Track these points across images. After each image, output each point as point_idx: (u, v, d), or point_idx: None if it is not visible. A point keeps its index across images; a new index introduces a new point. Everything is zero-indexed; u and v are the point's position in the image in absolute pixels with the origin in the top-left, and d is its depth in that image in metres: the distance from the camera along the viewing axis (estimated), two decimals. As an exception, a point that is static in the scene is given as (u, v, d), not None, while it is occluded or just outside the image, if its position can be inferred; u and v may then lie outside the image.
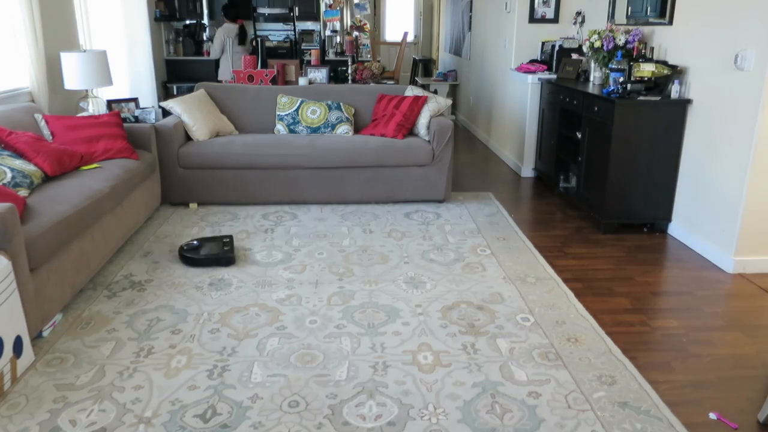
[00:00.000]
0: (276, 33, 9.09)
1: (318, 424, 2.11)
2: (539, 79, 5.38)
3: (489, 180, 5.57)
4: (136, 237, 3.89)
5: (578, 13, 5.53)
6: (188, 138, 4.53)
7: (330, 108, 4.79)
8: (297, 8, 8.65)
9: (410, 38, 11.63)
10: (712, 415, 2.20)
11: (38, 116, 3.76)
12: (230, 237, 3.63)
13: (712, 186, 3.66)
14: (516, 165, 5.89)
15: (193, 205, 4.51)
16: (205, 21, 7.81)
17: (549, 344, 2.64)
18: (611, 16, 4.86)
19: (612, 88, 4.10)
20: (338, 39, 8.45)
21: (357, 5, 9.70)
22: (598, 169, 4.13)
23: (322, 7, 8.41)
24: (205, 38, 7.35)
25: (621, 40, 4.35)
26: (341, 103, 4.85)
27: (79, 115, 4.25)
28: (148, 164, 4.06)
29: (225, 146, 4.42)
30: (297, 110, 4.78)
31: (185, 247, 3.51)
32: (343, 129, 4.73)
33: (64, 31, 4.51)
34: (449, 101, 4.87)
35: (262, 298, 3.07)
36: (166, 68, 6.86)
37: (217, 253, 3.45)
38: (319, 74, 5.90)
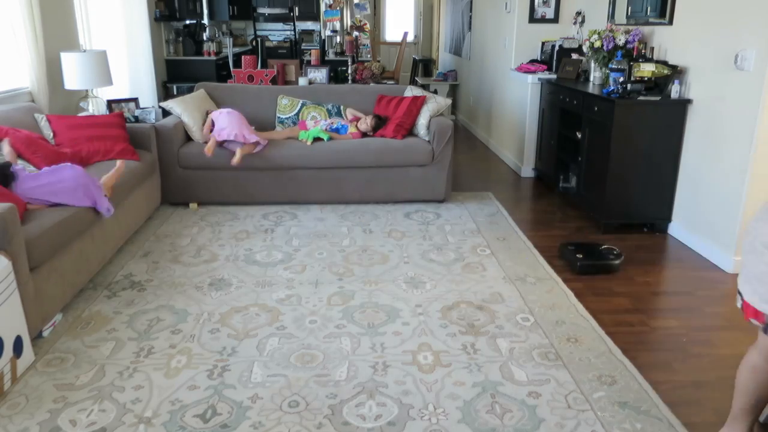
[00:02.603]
0: (276, 33, 9.10)
1: (318, 424, 2.11)
2: (539, 79, 5.38)
3: (489, 180, 5.57)
4: (136, 237, 3.89)
5: (578, 13, 5.53)
6: (188, 138, 4.53)
7: (330, 114, 4.80)
8: (297, 8, 8.66)
9: (410, 38, 11.62)
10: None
11: (39, 116, 3.76)
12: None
13: (712, 186, 3.66)
14: (516, 165, 5.89)
15: (193, 205, 4.50)
16: (205, 21, 7.81)
17: (549, 344, 2.64)
18: (611, 16, 4.86)
19: (612, 88, 4.10)
20: (338, 39, 8.45)
21: (357, 5, 9.71)
22: (598, 169, 4.13)
23: (322, 7, 8.42)
24: (205, 38, 7.34)
25: (621, 40, 4.35)
26: (341, 107, 4.85)
27: (81, 114, 4.26)
28: (148, 164, 4.06)
29: (225, 146, 4.42)
30: (297, 115, 4.79)
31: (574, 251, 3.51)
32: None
33: (64, 31, 4.51)
34: (449, 101, 4.87)
35: (262, 298, 3.07)
36: (166, 68, 6.86)
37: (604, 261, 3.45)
38: (319, 74, 5.90)
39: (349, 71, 6.35)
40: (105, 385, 2.32)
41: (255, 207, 4.50)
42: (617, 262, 3.46)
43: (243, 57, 5.81)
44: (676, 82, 3.88)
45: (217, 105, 4.86)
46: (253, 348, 2.59)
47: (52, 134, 3.70)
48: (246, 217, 4.28)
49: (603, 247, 3.60)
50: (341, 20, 8.79)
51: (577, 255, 3.47)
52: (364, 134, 4.64)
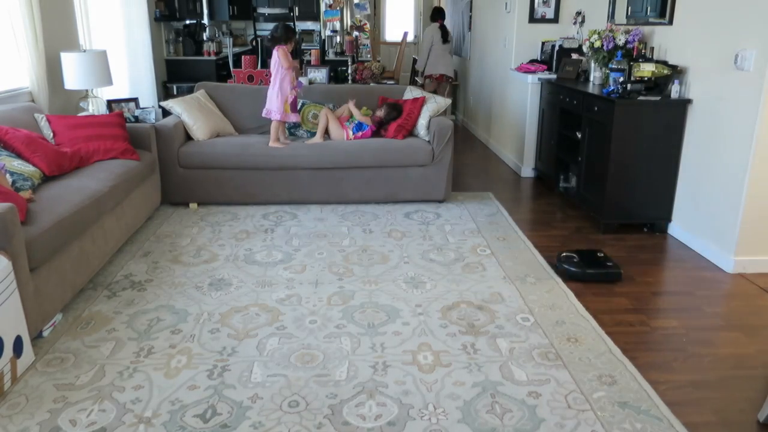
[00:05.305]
0: (276, 33, 9.07)
1: (318, 424, 2.11)
2: (539, 79, 5.38)
3: (489, 180, 5.57)
4: (136, 237, 3.89)
5: (578, 13, 5.53)
6: (188, 138, 4.53)
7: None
8: (297, 8, 8.66)
9: (410, 38, 11.61)
10: None
11: (38, 116, 3.76)
12: (602, 251, 3.48)
13: (712, 186, 3.66)
14: (516, 165, 5.89)
15: (193, 205, 4.50)
16: (205, 21, 7.81)
17: (549, 344, 2.64)
18: (611, 16, 4.86)
19: (612, 88, 4.10)
20: (338, 39, 8.45)
21: (357, 5, 9.70)
22: (598, 169, 4.13)
23: (322, 7, 8.41)
24: (205, 38, 7.34)
25: (621, 40, 4.35)
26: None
27: (81, 114, 4.25)
28: (148, 164, 4.06)
29: (225, 146, 4.42)
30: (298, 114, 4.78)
31: (563, 259, 3.39)
32: (343, 129, 4.73)
33: (64, 31, 4.51)
34: (449, 101, 4.87)
35: (262, 298, 3.07)
36: (166, 68, 6.86)
37: (604, 270, 3.32)
38: (319, 74, 5.90)
39: (349, 71, 6.35)
40: (105, 385, 2.32)
41: (255, 207, 4.50)
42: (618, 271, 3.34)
43: (243, 57, 5.81)
44: (676, 82, 3.88)
45: (217, 105, 4.86)
46: (253, 348, 2.59)
47: (52, 134, 3.70)
48: (246, 217, 4.28)
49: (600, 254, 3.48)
50: (341, 20, 8.78)
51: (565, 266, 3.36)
52: (379, 123, 4.65)
